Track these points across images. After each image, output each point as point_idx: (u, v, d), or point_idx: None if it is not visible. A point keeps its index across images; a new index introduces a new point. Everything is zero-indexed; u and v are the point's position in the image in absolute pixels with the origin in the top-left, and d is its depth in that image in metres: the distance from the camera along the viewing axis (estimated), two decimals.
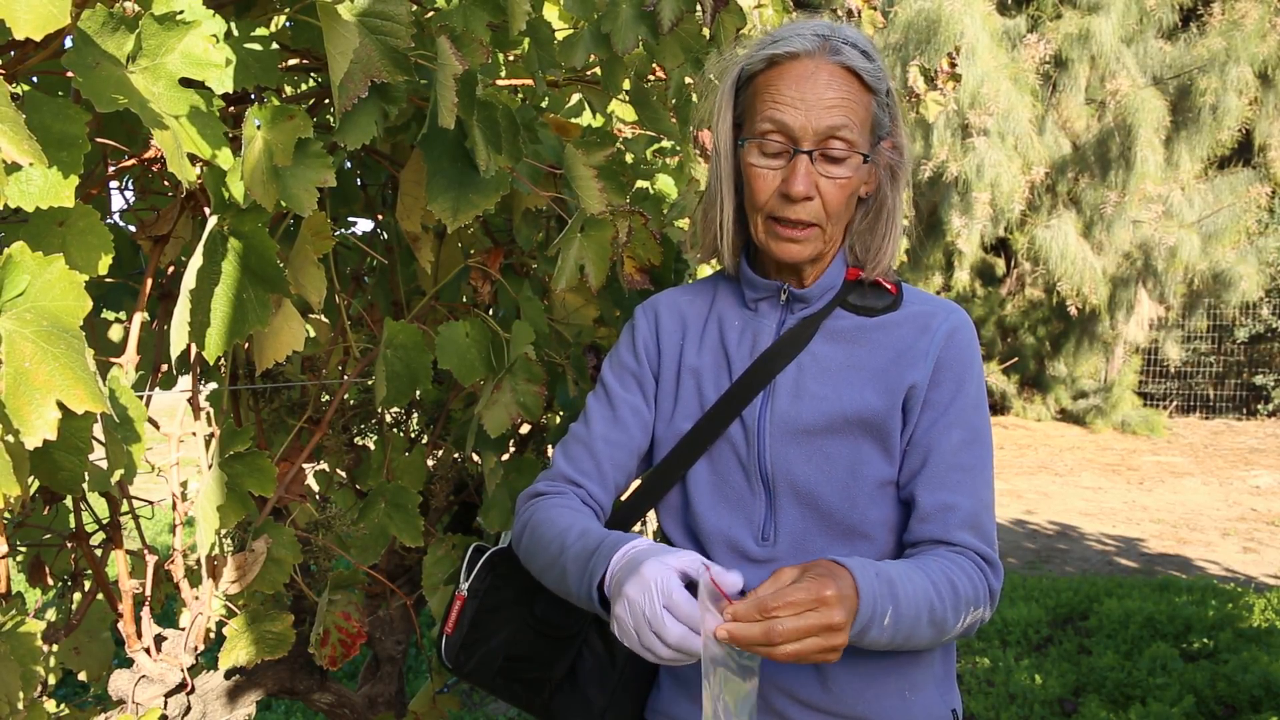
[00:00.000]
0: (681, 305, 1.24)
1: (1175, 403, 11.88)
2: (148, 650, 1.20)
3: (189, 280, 0.95)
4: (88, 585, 1.37)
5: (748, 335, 1.17)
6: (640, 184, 1.89)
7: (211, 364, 1.21)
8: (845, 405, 1.09)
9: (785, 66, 1.07)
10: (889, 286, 1.16)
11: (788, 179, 1.07)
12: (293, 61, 1.31)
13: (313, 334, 1.39)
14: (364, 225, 1.78)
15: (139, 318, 1.08)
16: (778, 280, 1.16)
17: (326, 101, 1.32)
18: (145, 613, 1.20)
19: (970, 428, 1.10)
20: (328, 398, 1.56)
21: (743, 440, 1.13)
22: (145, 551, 1.22)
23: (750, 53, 1.12)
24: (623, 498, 1.27)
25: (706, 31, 1.51)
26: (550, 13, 1.70)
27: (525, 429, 1.78)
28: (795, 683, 1.10)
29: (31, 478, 0.88)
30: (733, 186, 1.15)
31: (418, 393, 1.37)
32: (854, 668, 1.09)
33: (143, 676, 1.20)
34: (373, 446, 1.71)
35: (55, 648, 1.39)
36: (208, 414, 1.25)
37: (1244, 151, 9.26)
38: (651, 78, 1.75)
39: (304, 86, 1.53)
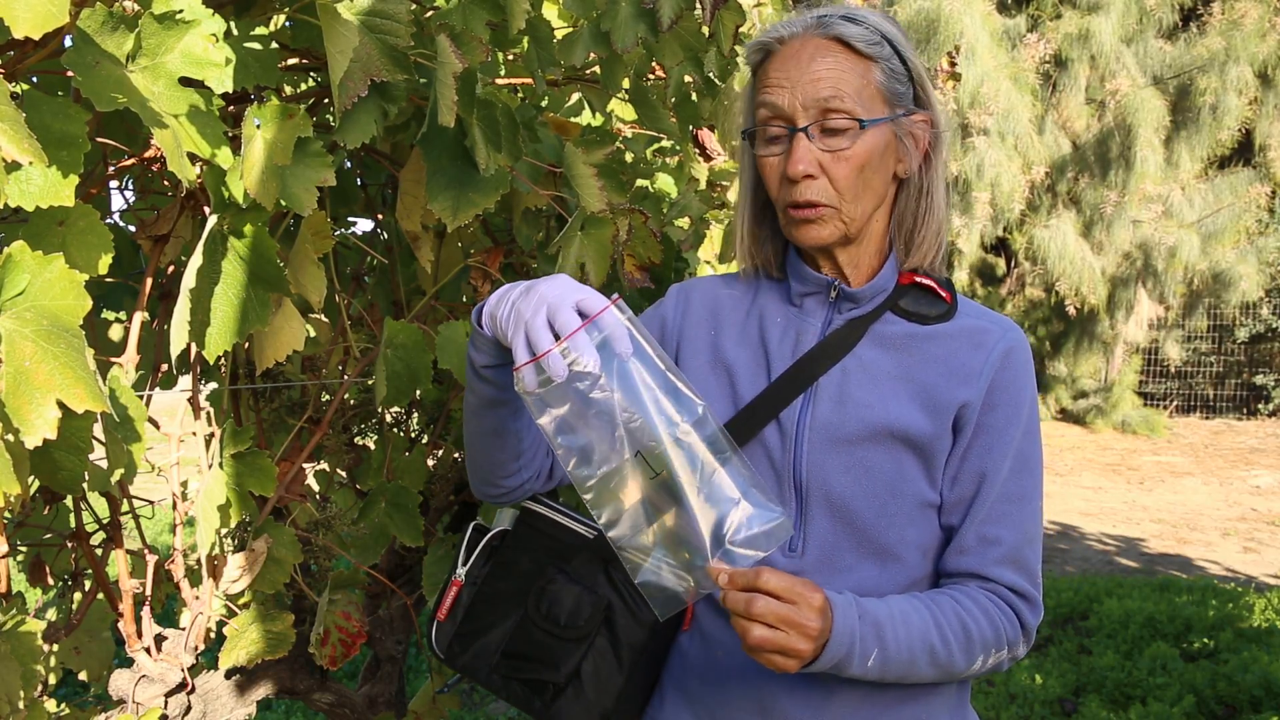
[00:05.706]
0: (720, 295, 1.19)
1: (1175, 403, 11.87)
2: (148, 650, 1.20)
3: (189, 280, 0.95)
4: (88, 585, 1.37)
5: (790, 333, 1.11)
6: (640, 183, 1.88)
7: (211, 364, 1.21)
8: (891, 417, 1.04)
9: (776, 53, 1.06)
10: (944, 294, 1.11)
11: (787, 161, 1.04)
12: (293, 61, 1.31)
13: (313, 334, 1.39)
14: (364, 225, 1.78)
15: (139, 317, 1.08)
16: (829, 276, 1.11)
17: (326, 101, 1.32)
18: (145, 612, 1.20)
19: (1022, 455, 1.06)
20: (328, 397, 1.55)
21: (778, 444, 1.07)
22: (145, 551, 1.22)
23: (748, 49, 1.11)
24: None
25: (706, 30, 1.51)
26: (550, 11, 1.69)
27: None
28: (802, 707, 1.06)
29: (31, 477, 0.88)
30: (749, 185, 1.13)
31: (418, 392, 1.37)
32: (865, 693, 1.05)
33: (143, 676, 1.20)
34: (373, 446, 1.71)
35: (55, 647, 1.39)
36: (208, 414, 1.25)
37: (1244, 151, 9.26)
38: (651, 76, 1.76)
39: (304, 86, 1.53)
